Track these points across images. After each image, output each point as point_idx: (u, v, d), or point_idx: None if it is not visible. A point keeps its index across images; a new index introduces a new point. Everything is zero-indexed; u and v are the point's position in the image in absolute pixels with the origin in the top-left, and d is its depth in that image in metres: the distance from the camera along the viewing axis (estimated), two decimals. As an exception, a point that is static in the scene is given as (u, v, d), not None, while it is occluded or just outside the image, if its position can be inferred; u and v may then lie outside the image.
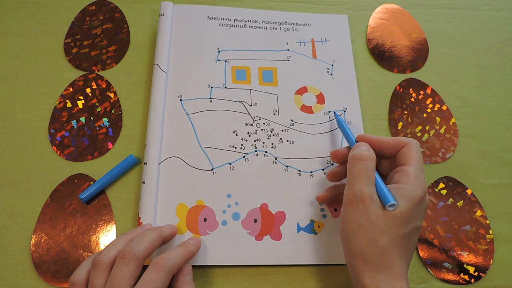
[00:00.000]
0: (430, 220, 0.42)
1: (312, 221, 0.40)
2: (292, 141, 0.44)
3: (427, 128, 0.47)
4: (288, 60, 0.48)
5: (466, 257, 0.40)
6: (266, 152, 0.43)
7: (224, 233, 0.39)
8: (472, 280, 0.39)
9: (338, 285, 0.38)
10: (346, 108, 0.46)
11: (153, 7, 0.51)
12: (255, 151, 0.43)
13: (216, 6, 0.50)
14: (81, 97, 0.45)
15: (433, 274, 0.39)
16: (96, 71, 0.47)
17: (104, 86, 0.46)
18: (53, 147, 0.42)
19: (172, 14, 0.48)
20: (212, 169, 0.41)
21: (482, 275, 0.40)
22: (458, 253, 0.40)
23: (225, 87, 0.46)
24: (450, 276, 0.39)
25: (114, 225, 0.39)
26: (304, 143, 0.44)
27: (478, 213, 0.42)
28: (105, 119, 0.44)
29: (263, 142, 0.43)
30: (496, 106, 0.49)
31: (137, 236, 0.33)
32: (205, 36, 0.48)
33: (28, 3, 0.50)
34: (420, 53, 0.51)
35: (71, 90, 0.46)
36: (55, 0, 0.51)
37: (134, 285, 0.30)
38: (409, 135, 0.46)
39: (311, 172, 0.42)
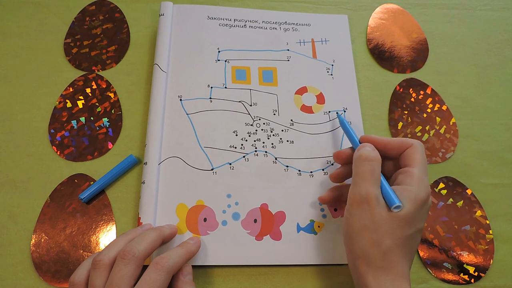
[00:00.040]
0: (430, 220, 0.42)
1: (312, 221, 0.40)
2: (292, 141, 0.44)
3: (427, 128, 0.47)
4: (288, 60, 0.48)
5: (466, 257, 0.40)
6: (266, 152, 0.43)
7: (224, 233, 0.39)
8: (472, 280, 0.39)
9: (338, 285, 0.38)
10: (346, 108, 0.46)
11: (153, 7, 0.51)
12: (255, 151, 0.43)
13: (216, 6, 0.50)
14: (81, 97, 0.45)
15: (433, 274, 0.39)
16: (96, 71, 0.47)
17: (104, 86, 0.46)
18: (53, 147, 0.42)
19: (172, 14, 0.49)
20: (212, 169, 0.41)
21: (482, 275, 0.40)
22: (458, 253, 0.40)
23: (225, 87, 0.46)
24: (450, 276, 0.39)
25: (114, 225, 0.39)
26: (304, 143, 0.44)
27: (478, 213, 0.42)
28: (105, 119, 0.44)
29: (263, 142, 0.43)
30: (496, 106, 0.49)
31: (137, 236, 0.33)
32: (205, 36, 0.48)
33: (28, 3, 0.50)
34: (420, 53, 0.51)
35: (71, 90, 0.46)
36: (55, 0, 0.51)
37: (134, 285, 0.30)
38: (409, 135, 0.46)
39: (311, 172, 0.42)
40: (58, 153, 0.42)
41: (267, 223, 0.39)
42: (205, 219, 0.39)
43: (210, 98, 0.45)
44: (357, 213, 0.32)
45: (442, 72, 0.51)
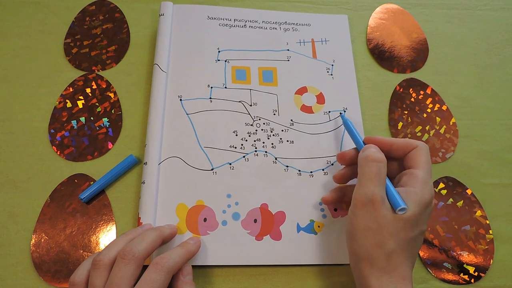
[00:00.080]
0: (430, 220, 0.42)
1: (312, 221, 0.40)
2: (292, 141, 0.44)
3: (427, 128, 0.47)
4: (288, 60, 0.48)
5: (466, 257, 0.40)
6: (266, 152, 0.43)
7: (224, 233, 0.39)
8: (472, 280, 0.39)
9: (338, 285, 0.38)
10: (346, 108, 0.46)
11: (153, 7, 0.51)
12: (255, 151, 0.43)
13: (216, 6, 0.50)
14: (81, 97, 0.45)
15: (433, 274, 0.39)
16: (96, 71, 0.47)
17: (104, 86, 0.46)
18: (53, 147, 0.42)
19: (172, 14, 0.48)
20: (212, 169, 0.41)
21: (482, 275, 0.40)
22: (458, 253, 0.40)
23: (225, 87, 0.46)
24: (450, 276, 0.39)
25: (114, 225, 0.39)
26: (304, 143, 0.44)
27: (478, 213, 0.42)
28: (105, 119, 0.44)
29: (263, 142, 0.43)
30: (496, 106, 0.49)
31: (137, 236, 0.33)
32: (205, 36, 0.48)
33: (28, 3, 0.50)
34: (420, 53, 0.51)
35: (71, 90, 0.46)
36: (55, 0, 0.51)
37: (134, 285, 0.30)
38: (409, 135, 0.46)
39: (311, 172, 0.42)
40: (58, 153, 0.42)
41: (267, 223, 0.39)
42: (205, 219, 0.39)
43: (210, 98, 0.45)
44: (362, 214, 0.31)
45: (442, 72, 0.51)
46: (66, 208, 0.40)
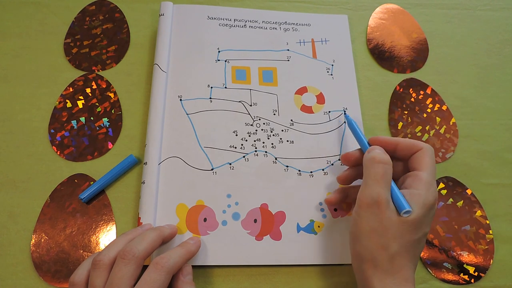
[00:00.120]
0: (430, 220, 0.42)
1: (312, 221, 0.40)
2: (292, 141, 0.44)
3: (427, 128, 0.47)
4: (288, 60, 0.48)
5: (466, 257, 0.40)
6: (266, 152, 0.43)
7: (224, 233, 0.39)
8: (472, 280, 0.39)
9: (338, 285, 0.38)
10: (346, 108, 0.46)
11: (153, 7, 0.51)
12: (255, 151, 0.43)
13: (216, 6, 0.50)
14: (81, 97, 0.45)
15: (433, 274, 0.39)
16: (96, 71, 0.47)
17: (104, 86, 0.46)
18: (53, 147, 0.42)
19: (172, 14, 0.48)
20: (212, 169, 0.41)
21: (482, 275, 0.40)
22: (458, 253, 0.40)
23: (225, 87, 0.46)
24: (450, 276, 0.39)
25: (114, 225, 0.39)
26: (304, 143, 0.44)
27: (478, 213, 0.42)
28: (105, 119, 0.44)
29: (263, 142, 0.43)
30: (496, 106, 0.49)
31: (137, 236, 0.33)
32: (205, 36, 0.48)
33: (28, 3, 0.50)
34: (420, 53, 0.51)
35: (71, 90, 0.46)
36: (55, 0, 0.51)
37: (134, 285, 0.30)
38: (409, 135, 0.46)
39: (311, 172, 0.42)
40: (58, 153, 0.42)
41: (267, 223, 0.39)
42: (205, 219, 0.39)
43: (210, 98, 0.45)
44: (366, 215, 0.31)
45: (442, 72, 0.51)
46: (66, 208, 0.40)
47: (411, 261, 0.31)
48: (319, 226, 0.40)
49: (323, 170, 0.43)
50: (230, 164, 0.42)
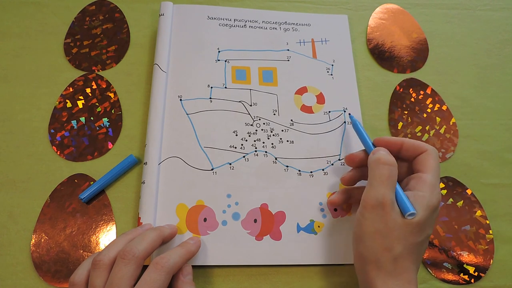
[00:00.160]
0: (430, 220, 0.42)
1: (312, 221, 0.40)
2: (292, 141, 0.44)
3: (427, 128, 0.47)
4: (288, 60, 0.48)
5: (466, 257, 0.40)
6: (266, 152, 0.43)
7: (224, 233, 0.39)
8: (472, 280, 0.39)
9: (338, 285, 0.38)
10: (346, 108, 0.46)
11: (153, 7, 0.51)
12: (255, 151, 0.43)
13: (216, 6, 0.50)
14: (81, 97, 0.45)
15: (433, 274, 0.39)
16: (96, 71, 0.47)
17: (104, 86, 0.46)
18: (53, 147, 0.42)
19: (172, 14, 0.48)
20: (212, 169, 0.41)
21: (482, 275, 0.40)
22: (458, 253, 0.40)
23: (225, 87, 0.46)
24: (450, 276, 0.39)
25: (114, 225, 0.39)
26: (304, 143, 0.44)
27: (478, 213, 0.42)
28: (105, 119, 0.44)
29: (263, 142, 0.43)
30: (496, 106, 0.49)
31: (137, 236, 0.33)
32: (205, 36, 0.48)
33: (28, 3, 0.50)
34: (420, 53, 0.51)
35: (71, 90, 0.46)
36: (55, 0, 0.51)
37: (134, 285, 0.30)
38: (409, 135, 0.46)
39: (311, 172, 0.42)
40: (58, 153, 0.42)
41: (267, 223, 0.39)
42: (205, 219, 0.39)
43: (210, 98, 0.45)
44: (371, 216, 0.31)
45: (442, 72, 0.51)
46: (66, 208, 0.40)
47: (414, 263, 0.31)
48: (319, 226, 0.40)
49: (323, 170, 0.43)
50: (230, 164, 0.42)
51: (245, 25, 0.50)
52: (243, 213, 0.40)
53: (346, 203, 0.40)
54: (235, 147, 0.43)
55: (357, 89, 0.47)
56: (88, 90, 0.46)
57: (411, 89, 0.49)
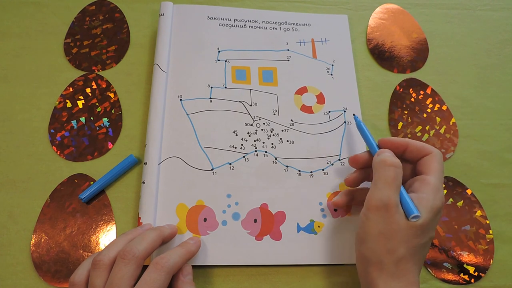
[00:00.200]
0: (430, 220, 0.42)
1: (312, 221, 0.40)
2: (292, 141, 0.44)
3: (427, 128, 0.47)
4: (288, 60, 0.48)
5: (466, 257, 0.40)
6: (266, 152, 0.43)
7: (224, 233, 0.39)
8: (472, 280, 0.39)
9: (338, 285, 0.38)
10: (346, 108, 0.46)
11: (153, 7, 0.51)
12: (255, 151, 0.43)
13: (216, 6, 0.50)
14: (81, 97, 0.45)
15: (433, 274, 0.39)
16: (96, 71, 0.47)
17: (104, 86, 0.46)
18: (53, 147, 0.42)
19: (172, 14, 0.49)
20: (212, 169, 0.41)
21: (482, 275, 0.40)
22: (458, 253, 0.40)
23: (225, 87, 0.46)
24: (450, 276, 0.39)
25: (114, 225, 0.39)
26: (304, 143, 0.44)
27: (478, 213, 0.42)
28: (105, 119, 0.44)
29: (263, 142, 0.43)
30: (496, 106, 0.49)
31: (137, 236, 0.33)
32: (205, 36, 0.48)
33: (28, 3, 0.50)
34: (420, 53, 0.51)
35: (71, 90, 0.46)
36: (55, 0, 0.51)
37: (134, 285, 0.30)
38: (409, 135, 0.46)
39: (311, 172, 0.42)
40: (58, 153, 0.42)
41: (267, 223, 0.39)
42: (205, 219, 0.39)
43: (210, 98, 0.45)
44: (375, 218, 0.31)
45: (442, 72, 0.51)
46: (66, 208, 0.40)
47: (416, 265, 0.31)
48: (319, 226, 0.40)
49: (323, 170, 0.43)
50: (230, 164, 0.42)
51: (245, 25, 0.50)
52: (243, 213, 0.40)
53: (349, 204, 0.40)
54: (235, 147, 0.43)
55: (357, 89, 0.47)
56: (88, 90, 0.46)
57: (411, 89, 0.49)
